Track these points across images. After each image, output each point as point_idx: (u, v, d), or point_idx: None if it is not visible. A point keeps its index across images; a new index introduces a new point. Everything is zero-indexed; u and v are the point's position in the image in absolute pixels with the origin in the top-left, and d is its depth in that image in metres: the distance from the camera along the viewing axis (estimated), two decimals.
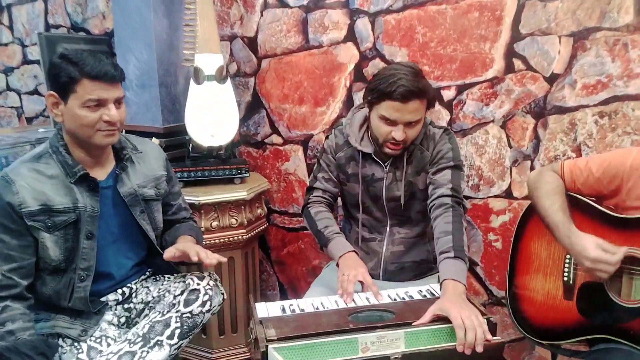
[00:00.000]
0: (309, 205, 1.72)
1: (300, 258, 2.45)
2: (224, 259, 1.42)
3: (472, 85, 1.96)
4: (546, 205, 1.40)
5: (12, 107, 3.29)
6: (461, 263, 1.38)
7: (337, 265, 1.54)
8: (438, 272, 1.68)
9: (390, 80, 1.42)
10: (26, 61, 3.12)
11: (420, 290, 1.45)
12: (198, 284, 1.43)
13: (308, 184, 1.78)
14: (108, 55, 1.34)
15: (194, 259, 1.37)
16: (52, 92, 1.31)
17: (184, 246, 1.43)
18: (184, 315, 1.38)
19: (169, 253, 1.40)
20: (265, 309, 1.33)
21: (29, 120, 3.23)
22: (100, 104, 1.30)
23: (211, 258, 1.39)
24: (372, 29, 2.08)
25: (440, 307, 1.25)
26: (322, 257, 2.39)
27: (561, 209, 1.37)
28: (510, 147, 1.95)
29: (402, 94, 1.40)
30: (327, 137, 1.74)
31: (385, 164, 1.62)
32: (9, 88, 3.26)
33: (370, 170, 1.64)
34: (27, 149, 2.23)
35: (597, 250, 1.27)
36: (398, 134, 1.46)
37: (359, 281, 1.45)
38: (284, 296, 2.54)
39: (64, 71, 1.27)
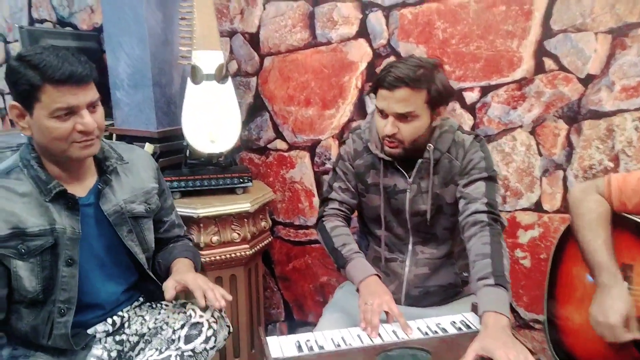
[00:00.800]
0: (323, 219, 1.54)
1: (307, 274, 2.26)
2: (229, 297, 1.26)
3: (497, 86, 1.79)
4: (587, 239, 1.25)
5: None
6: (503, 291, 1.21)
7: (357, 290, 1.36)
8: (466, 295, 1.54)
9: (386, 68, 1.32)
10: (9, 59, 2.90)
11: (454, 322, 1.27)
12: (201, 317, 1.24)
13: (322, 195, 1.60)
14: (75, 51, 1.13)
15: (201, 302, 1.20)
16: (14, 103, 1.12)
17: (185, 279, 1.25)
18: (185, 354, 1.19)
19: (169, 293, 1.21)
20: (278, 347, 1.16)
21: (13, 122, 3.01)
22: (71, 111, 1.10)
23: (219, 298, 1.21)
24: (387, 24, 1.90)
25: (483, 346, 1.07)
26: (331, 273, 2.21)
27: (605, 246, 1.22)
28: (541, 155, 1.78)
29: (389, 81, 1.29)
30: (343, 142, 1.56)
31: (409, 173, 1.44)
32: None
33: (392, 181, 1.47)
34: (8, 155, 2.02)
35: (619, 319, 1.15)
36: (387, 127, 1.33)
37: (384, 311, 1.27)
38: (289, 315, 2.36)
39: (22, 77, 1.07)
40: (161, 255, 1.44)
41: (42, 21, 2.69)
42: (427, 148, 1.42)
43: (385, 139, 1.37)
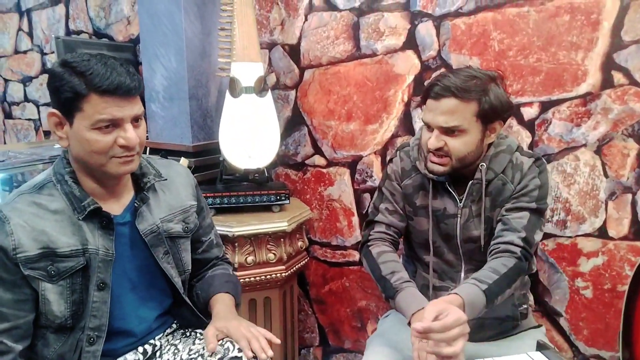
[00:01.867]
0: (369, 243, 1.42)
1: (343, 298, 2.14)
2: (277, 340, 1.14)
3: (559, 102, 1.64)
4: None
5: (29, 120, 3.07)
6: (483, 299, 1.14)
7: (409, 324, 1.23)
8: (523, 330, 1.41)
9: (437, 77, 1.24)
10: (45, 70, 2.90)
11: None
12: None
13: (367, 217, 1.48)
14: (123, 61, 1.06)
15: (248, 354, 1.07)
16: (54, 111, 1.04)
17: (227, 328, 1.14)
18: None
19: (211, 344, 1.09)
20: None
21: (47, 133, 3.00)
22: (114, 124, 1.03)
23: (266, 348, 1.09)
24: (437, 35, 1.78)
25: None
26: (370, 298, 2.08)
27: None
28: (607, 176, 1.62)
29: (436, 90, 1.21)
30: (390, 161, 1.45)
31: (461, 197, 1.32)
32: (26, 99, 3.04)
33: (441, 204, 1.35)
34: (40, 167, 1.98)
35: None
36: (432, 140, 1.23)
37: None
38: (324, 341, 2.23)
39: (67, 84, 1.00)
40: (200, 286, 1.34)
41: (78, 32, 2.68)
42: (479, 168, 1.30)
43: (430, 153, 1.26)
